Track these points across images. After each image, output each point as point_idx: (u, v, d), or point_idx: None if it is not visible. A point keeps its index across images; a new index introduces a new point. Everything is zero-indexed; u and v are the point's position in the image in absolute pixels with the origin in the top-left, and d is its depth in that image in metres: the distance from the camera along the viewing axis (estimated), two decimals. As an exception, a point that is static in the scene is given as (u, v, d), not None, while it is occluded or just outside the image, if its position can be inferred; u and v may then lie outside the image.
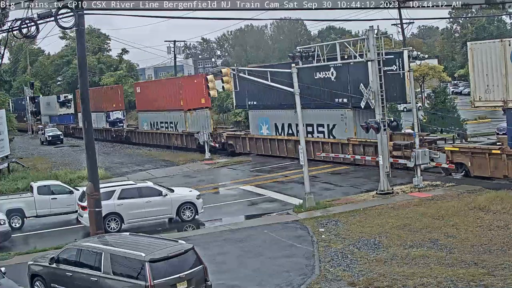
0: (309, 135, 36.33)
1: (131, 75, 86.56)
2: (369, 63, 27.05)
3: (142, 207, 23.94)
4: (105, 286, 14.22)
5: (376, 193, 26.11)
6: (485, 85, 26.45)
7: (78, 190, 26.16)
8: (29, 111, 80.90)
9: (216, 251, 19.37)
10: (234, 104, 46.52)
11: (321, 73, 35.02)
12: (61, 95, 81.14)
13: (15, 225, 25.10)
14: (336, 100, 34.29)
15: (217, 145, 43.80)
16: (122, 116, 65.12)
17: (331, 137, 35.57)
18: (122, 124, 63.84)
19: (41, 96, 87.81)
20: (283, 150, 39.04)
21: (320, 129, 36.30)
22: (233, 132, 46.13)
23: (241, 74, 29.03)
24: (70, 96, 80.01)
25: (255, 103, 41.49)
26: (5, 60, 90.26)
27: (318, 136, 36.45)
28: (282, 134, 39.58)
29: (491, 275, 15.22)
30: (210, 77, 30.39)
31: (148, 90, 56.52)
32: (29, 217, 25.97)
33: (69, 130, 74.13)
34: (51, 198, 26.27)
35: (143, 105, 56.92)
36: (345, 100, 33.53)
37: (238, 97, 42.94)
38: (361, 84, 30.52)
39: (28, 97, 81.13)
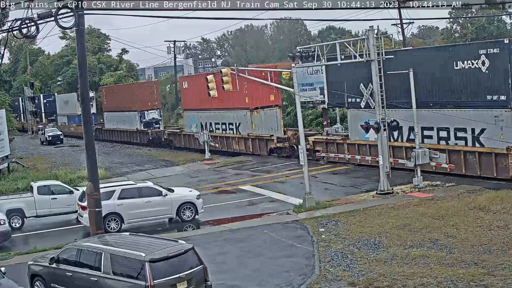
0: (442, 142, 29.12)
1: (131, 75, 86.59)
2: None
3: (142, 207, 23.95)
4: (105, 286, 14.21)
5: (376, 193, 26.10)
6: None
7: (78, 190, 26.17)
8: (29, 111, 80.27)
9: (216, 251, 19.37)
10: (326, 102, 38.21)
11: (465, 62, 27.49)
12: None
13: (15, 225, 25.11)
14: (488, 97, 26.78)
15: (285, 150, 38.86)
16: (159, 116, 58.29)
17: (477, 144, 27.55)
18: (158, 125, 57.27)
19: (56, 94, 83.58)
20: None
21: (460, 134, 28.11)
22: (324, 137, 37.23)
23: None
24: (92, 94, 73.09)
25: (357, 100, 31.70)
26: (5, 60, 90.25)
27: (456, 144, 28.35)
28: (399, 139, 31.15)
29: (491, 275, 15.21)
30: (210, 77, 30.42)
31: (200, 85, 44.81)
32: (29, 217, 25.98)
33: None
34: (51, 198, 26.29)
35: (191, 103, 48.61)
36: (502, 97, 26.07)
37: (331, 92, 34.93)
38: (361, 84, 30.29)
39: (27, 97, 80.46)
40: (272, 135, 40.68)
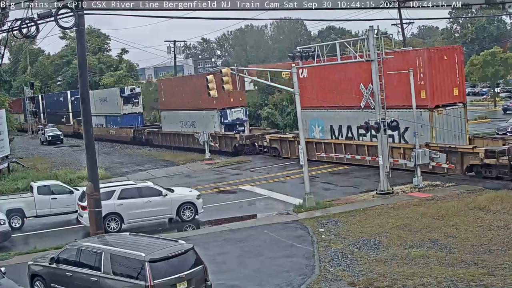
0: None
1: (131, 75, 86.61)
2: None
3: (142, 207, 23.95)
4: (105, 286, 14.21)
5: (376, 193, 26.10)
6: None
7: (78, 190, 26.17)
8: (29, 111, 79.68)
9: (216, 251, 19.38)
10: None
11: None
12: (125, 88, 61.03)
13: (15, 225, 25.11)
14: None
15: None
16: (244, 115, 45.75)
17: None
18: (243, 128, 45.33)
19: (90, 90, 74.76)
20: None
21: None
22: None
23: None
24: (138, 89, 61.60)
25: None
26: (5, 60, 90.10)
27: None
28: None
29: (491, 275, 15.22)
30: (210, 77, 30.40)
31: (331, 73, 34.12)
32: (29, 217, 25.98)
33: (142, 135, 54.81)
34: (51, 198, 26.28)
35: (314, 99, 35.33)
36: None
37: None
38: (361, 84, 30.30)
39: (27, 97, 79.71)
40: (475, 147, 27.88)
